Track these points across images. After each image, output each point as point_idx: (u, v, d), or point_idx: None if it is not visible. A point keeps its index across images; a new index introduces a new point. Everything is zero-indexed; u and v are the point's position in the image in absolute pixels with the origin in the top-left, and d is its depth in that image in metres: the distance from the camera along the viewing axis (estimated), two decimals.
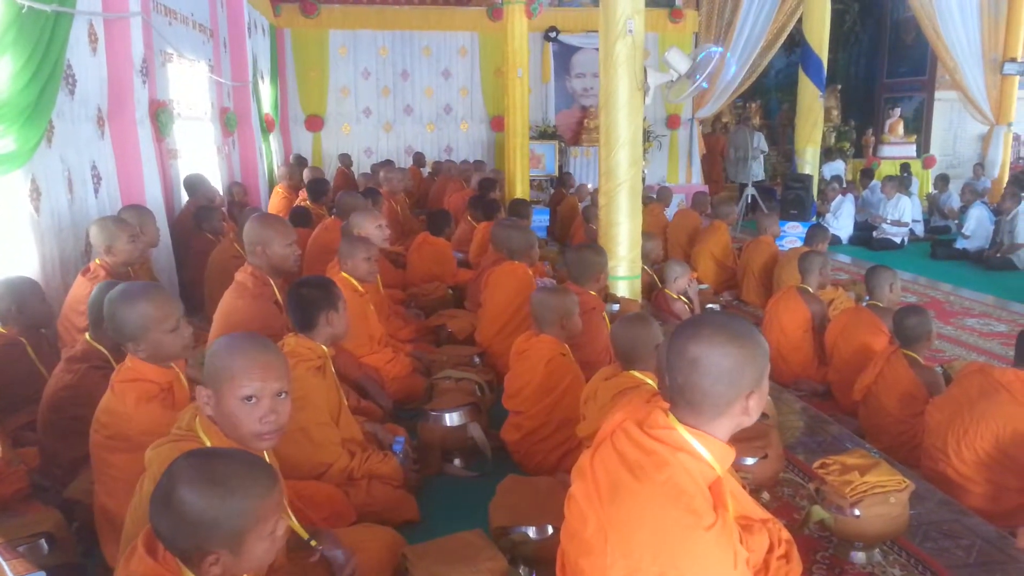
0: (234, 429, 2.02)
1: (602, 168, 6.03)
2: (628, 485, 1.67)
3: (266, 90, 10.70)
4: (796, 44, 14.30)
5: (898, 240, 10.27)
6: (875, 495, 2.60)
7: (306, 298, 3.11)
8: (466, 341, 4.78)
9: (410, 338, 4.75)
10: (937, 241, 10.33)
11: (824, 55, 10.35)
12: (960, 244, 9.71)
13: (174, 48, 6.67)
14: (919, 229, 10.90)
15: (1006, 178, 13.18)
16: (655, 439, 1.70)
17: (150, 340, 2.46)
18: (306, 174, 8.67)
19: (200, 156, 7.50)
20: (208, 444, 2.03)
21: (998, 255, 8.99)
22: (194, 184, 6.28)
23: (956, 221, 10.39)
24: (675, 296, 5.38)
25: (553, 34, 12.81)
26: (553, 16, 12.74)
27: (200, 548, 1.52)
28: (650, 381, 2.87)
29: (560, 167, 12.43)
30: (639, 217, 5.99)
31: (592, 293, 3.93)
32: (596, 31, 12.74)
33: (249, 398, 2.00)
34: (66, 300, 3.86)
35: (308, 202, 7.23)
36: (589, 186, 10.40)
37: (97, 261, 3.85)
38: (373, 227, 4.56)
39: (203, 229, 5.90)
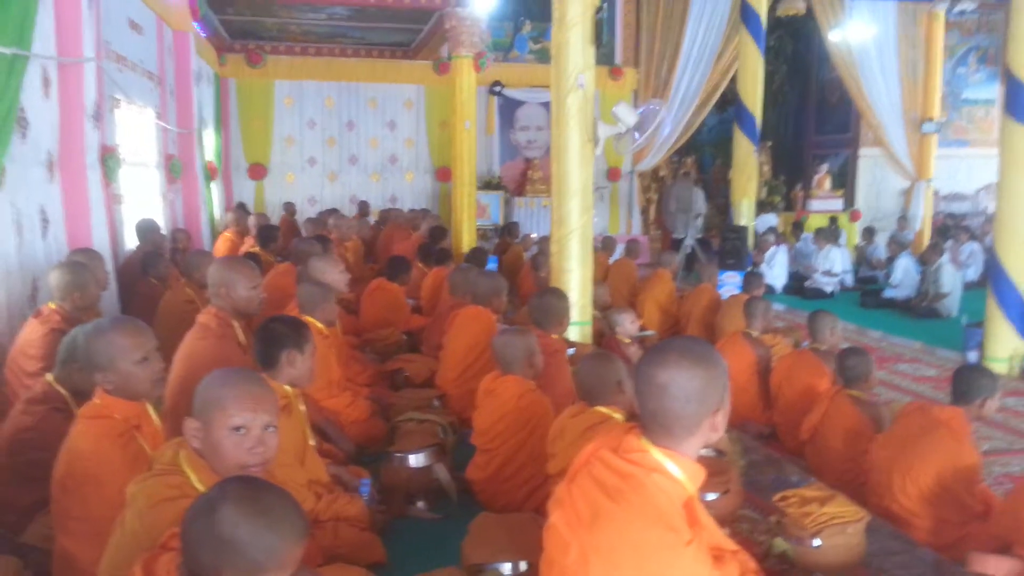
0: (221, 461, 2.02)
1: (554, 216, 6.20)
2: (607, 509, 1.73)
3: (209, 138, 10.65)
4: (728, 102, 14.98)
5: (829, 289, 10.69)
6: (834, 525, 2.71)
7: (273, 333, 3.10)
8: (423, 385, 4.80)
9: (368, 382, 4.75)
10: (866, 290, 10.79)
11: (758, 113, 10.86)
12: (888, 293, 10.17)
13: (123, 94, 6.63)
14: (849, 279, 11.36)
15: (927, 230, 13.90)
16: (630, 462, 1.77)
17: (119, 371, 2.43)
18: (253, 220, 8.61)
19: (144, 202, 7.42)
20: (193, 479, 2.03)
21: (924, 304, 9.44)
22: (145, 230, 6.20)
23: (884, 271, 10.88)
24: (627, 341, 5.51)
25: (498, 88, 13.12)
26: (498, 71, 13.06)
27: (216, 569, 1.52)
28: (616, 416, 2.96)
29: (505, 217, 12.62)
30: (590, 264, 6.15)
31: (555, 337, 4.02)
32: (540, 86, 13.27)
33: (238, 428, 2.01)
34: (15, 344, 3.76)
35: (257, 248, 7.18)
36: (534, 236, 10.58)
37: (52, 305, 3.77)
38: (336, 273, 4.58)
39: (149, 275, 5.81)
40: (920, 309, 9.44)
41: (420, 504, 3.50)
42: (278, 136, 12.82)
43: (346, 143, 13.23)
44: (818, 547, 2.69)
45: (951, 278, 9.43)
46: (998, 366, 6.59)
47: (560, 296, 4.29)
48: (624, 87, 13.59)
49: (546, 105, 13.67)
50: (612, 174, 13.90)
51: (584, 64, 6.05)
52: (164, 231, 7.61)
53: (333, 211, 10.35)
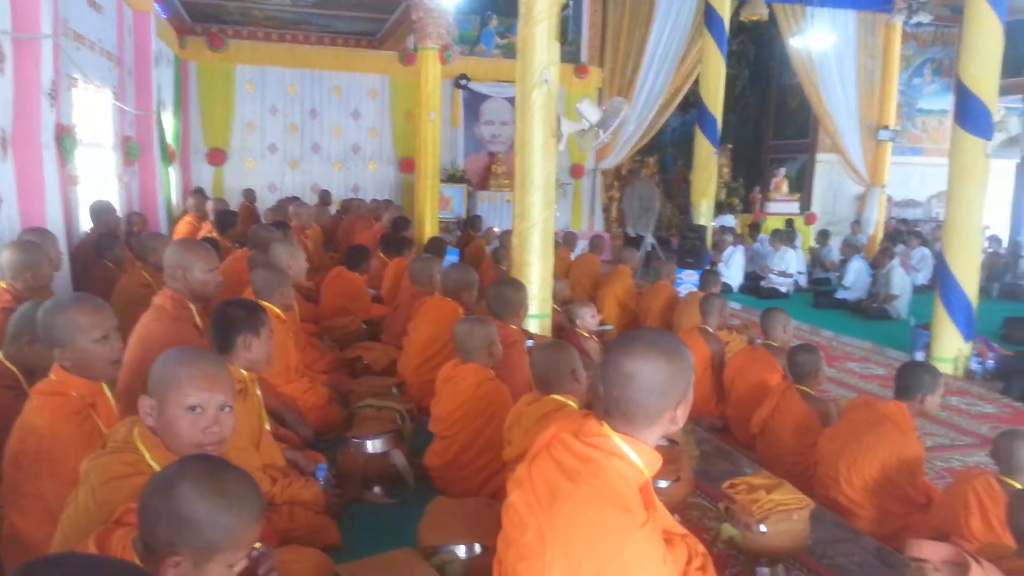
0: (176, 439, 2.02)
1: (516, 210, 6.23)
2: (566, 490, 1.77)
3: (168, 121, 10.48)
4: (691, 105, 15.14)
5: (784, 289, 10.91)
6: (780, 512, 2.79)
7: (228, 317, 3.09)
8: (383, 373, 4.81)
9: (326, 369, 4.73)
10: (819, 291, 11.03)
11: (719, 115, 11.01)
12: (840, 294, 10.40)
13: (81, 73, 6.50)
14: (803, 280, 11.60)
15: (880, 235, 14.25)
16: (591, 446, 1.81)
17: (77, 348, 2.41)
18: (211, 206, 8.50)
19: (100, 184, 7.28)
20: (147, 457, 2.02)
21: (875, 305, 9.69)
22: (99, 212, 6.09)
23: (837, 273, 11.13)
24: (586, 335, 5.57)
25: (464, 81, 13.11)
26: (464, 64, 13.05)
27: (171, 545, 1.53)
28: (572, 403, 3.00)
29: (468, 210, 12.63)
30: (551, 258, 6.20)
31: (513, 327, 4.05)
32: (505, 81, 13.31)
33: (194, 408, 2.01)
34: None
35: (215, 233, 7.10)
36: (496, 229, 10.61)
37: (3, 284, 3.70)
38: (299, 260, 4.56)
39: (104, 258, 5.72)
40: (871, 310, 9.68)
41: (376, 489, 3.51)
42: (239, 121, 12.64)
43: (308, 131, 13.10)
44: (764, 533, 2.77)
45: (901, 281, 9.69)
46: (944, 366, 6.78)
47: (517, 287, 4.32)
48: (589, 85, 13.67)
49: (511, 100, 13.63)
50: (576, 171, 13.99)
51: (549, 59, 6.09)
52: (120, 213, 7.48)
53: (294, 199, 10.27)
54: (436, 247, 7.04)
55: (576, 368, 3.03)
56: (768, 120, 17.43)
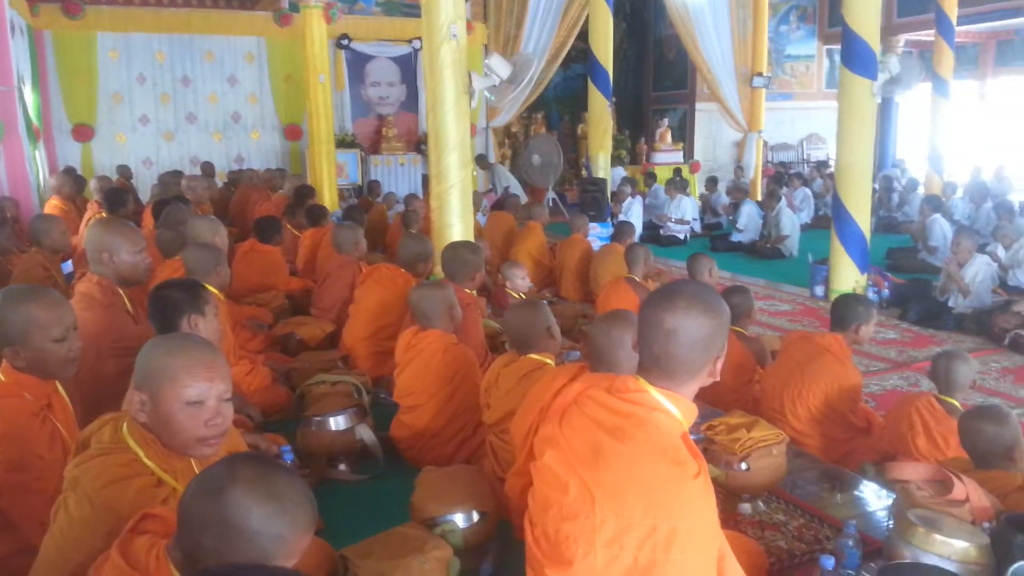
0: (175, 436, 1.85)
1: (432, 171, 6.11)
2: (611, 447, 1.73)
3: (28, 97, 9.58)
4: (572, 60, 15.27)
5: (682, 236, 11.25)
6: (760, 448, 2.87)
7: (167, 300, 2.88)
8: (319, 347, 4.62)
9: (259, 349, 4.51)
10: (714, 236, 11.44)
11: (610, 67, 11.09)
12: (735, 237, 10.82)
13: None
14: (697, 226, 11.98)
15: (760, 179, 14.88)
16: (629, 401, 1.78)
17: (32, 346, 2.18)
18: (95, 184, 7.89)
19: None
20: (142, 455, 1.85)
21: (768, 246, 10.13)
22: None
23: (731, 217, 11.54)
24: (517, 295, 5.55)
25: (345, 42, 12.64)
26: (344, 24, 12.56)
27: (219, 556, 1.39)
28: (548, 361, 2.97)
29: (363, 176, 12.28)
30: (471, 218, 6.13)
31: (467, 291, 3.96)
32: (388, 40, 12.86)
33: (194, 401, 1.84)
34: None
35: (104, 214, 6.58)
36: (396, 194, 10.38)
37: None
38: (223, 234, 4.28)
39: None
40: (764, 251, 10.12)
41: (342, 467, 3.39)
42: (104, 93, 11.72)
43: (182, 100, 12.31)
44: (747, 470, 2.85)
45: (790, 221, 10.17)
46: None
47: (474, 249, 4.24)
48: (475, 42, 13.42)
49: (397, 59, 13.41)
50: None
51: (455, 14, 5.95)
52: None
53: (176, 172, 9.67)
54: (354, 215, 6.81)
55: (551, 325, 3.00)
56: (647, 72, 17.76)
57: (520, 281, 5.48)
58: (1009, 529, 2.19)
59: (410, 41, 13.11)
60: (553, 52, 14.00)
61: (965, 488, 2.41)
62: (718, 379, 1.83)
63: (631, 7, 17.12)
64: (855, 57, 7.08)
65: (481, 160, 13.06)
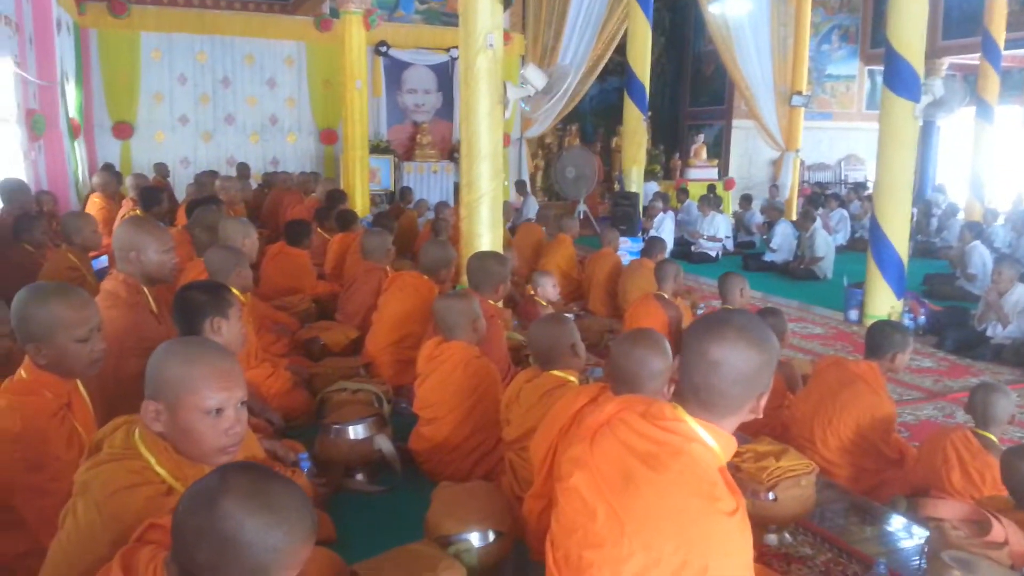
0: (195, 446, 1.81)
1: (463, 180, 6.07)
2: (643, 475, 1.65)
3: (71, 93, 9.75)
4: (608, 73, 15.21)
5: (713, 254, 11.11)
6: (788, 478, 2.78)
7: (191, 302, 2.86)
8: (342, 353, 4.60)
9: (282, 352, 4.49)
10: (746, 255, 11.28)
11: (647, 82, 11.00)
12: (768, 257, 10.66)
13: None
14: (729, 244, 11.84)
15: (795, 198, 14.69)
16: (665, 430, 1.69)
17: (56, 345, 2.16)
18: (131, 182, 7.97)
19: (4, 161, 6.71)
20: (153, 463, 1.81)
21: (801, 267, 9.96)
22: (12, 191, 5.60)
23: (764, 236, 11.38)
24: (544, 304, 5.49)
25: (384, 48, 12.71)
26: (383, 31, 12.65)
27: (214, 569, 1.34)
28: (572, 379, 2.91)
29: (395, 182, 12.32)
30: (500, 228, 6.08)
31: (491, 302, 3.91)
32: (426, 47, 12.91)
33: (214, 411, 1.80)
34: None
35: (138, 211, 6.64)
36: (428, 201, 10.38)
37: None
38: (253, 237, 4.28)
39: (22, 240, 5.27)
40: (798, 272, 9.95)
41: (359, 477, 3.34)
42: (145, 92, 11.90)
43: (221, 101, 12.46)
44: (774, 500, 2.75)
45: (825, 242, 9.99)
46: None
47: (501, 260, 4.19)
48: (512, 52, 13.45)
49: (434, 67, 13.46)
50: (503, 140, 13.81)
51: (492, 24, 5.92)
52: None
53: (213, 173, 9.75)
54: (384, 222, 6.81)
55: (576, 342, 2.93)
56: (685, 87, 17.64)
57: (551, 289, 5.42)
58: None
59: (448, 50, 13.16)
60: (590, 64, 13.98)
61: (1004, 530, 2.30)
62: (760, 416, 1.74)
63: (671, 22, 17.04)
64: (898, 78, 6.94)
65: (520, 186, 13.06)
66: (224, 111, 12.51)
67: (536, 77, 6.22)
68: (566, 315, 3.12)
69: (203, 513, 1.35)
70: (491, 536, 2.49)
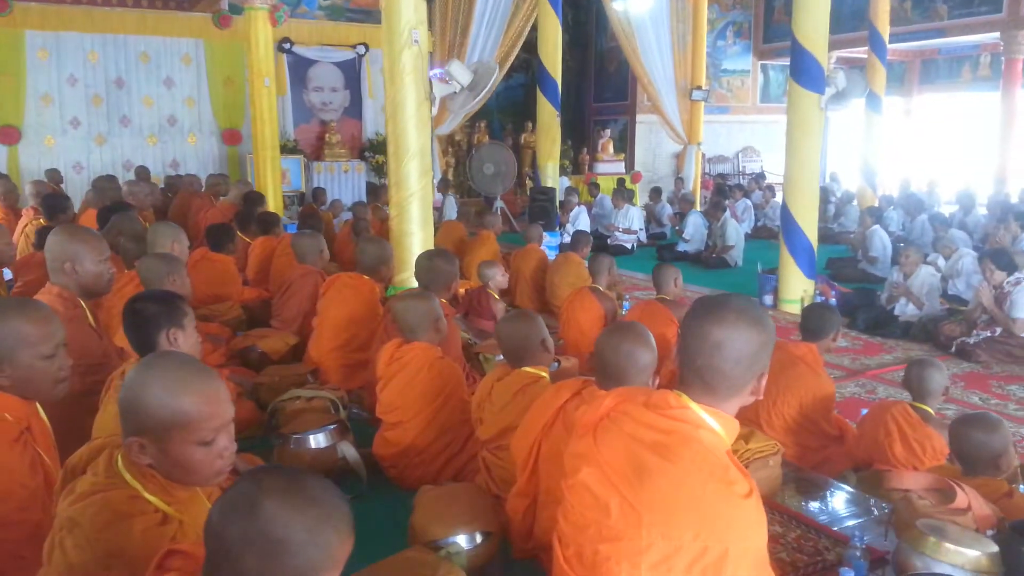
0: (191, 475, 1.71)
1: (392, 179, 6.00)
2: (657, 465, 1.67)
3: None
4: (514, 70, 15.29)
5: (629, 246, 11.34)
6: (757, 459, 2.86)
7: (143, 314, 2.68)
8: (282, 361, 4.45)
9: (219, 363, 4.30)
10: (660, 246, 11.57)
11: (558, 78, 11.12)
12: (681, 247, 10.97)
13: None
14: (643, 236, 12.11)
15: (699, 190, 15.15)
16: (672, 418, 1.71)
17: (19, 363, 2.00)
18: (32, 189, 7.48)
19: None
20: (140, 489, 1.70)
21: (714, 255, 10.30)
22: None
23: (676, 227, 11.68)
24: (496, 296, 5.45)
25: (288, 45, 12.37)
26: (287, 27, 12.27)
27: None
28: (544, 375, 2.91)
29: (306, 183, 12.02)
30: (431, 226, 6.03)
31: (443, 300, 3.86)
32: (331, 44, 12.62)
33: (209, 441, 1.70)
34: None
35: (44, 220, 6.23)
36: (342, 202, 10.17)
37: None
38: (184, 241, 4.08)
39: None
40: (710, 260, 10.28)
41: None
42: (32, 94, 11.18)
43: (115, 102, 11.83)
44: None
45: (735, 231, 10.36)
46: (791, 307, 7.36)
47: (449, 259, 4.13)
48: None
49: (340, 65, 13.19)
50: None
51: (416, 19, 5.88)
52: None
53: (111, 177, 9.24)
54: (312, 223, 6.63)
55: (545, 338, 2.93)
56: (589, 84, 17.93)
57: (500, 278, 5.41)
58: (1017, 537, 2.22)
59: (354, 46, 12.93)
60: (498, 61, 13.97)
61: (967, 497, 2.44)
62: (761, 397, 1.78)
63: (573, 19, 17.25)
64: (804, 71, 7.25)
65: (442, 185, 12.95)
66: (119, 112, 11.89)
67: (461, 73, 6.20)
68: (534, 312, 3.10)
69: (245, 520, 1.28)
70: (479, 537, 2.47)
